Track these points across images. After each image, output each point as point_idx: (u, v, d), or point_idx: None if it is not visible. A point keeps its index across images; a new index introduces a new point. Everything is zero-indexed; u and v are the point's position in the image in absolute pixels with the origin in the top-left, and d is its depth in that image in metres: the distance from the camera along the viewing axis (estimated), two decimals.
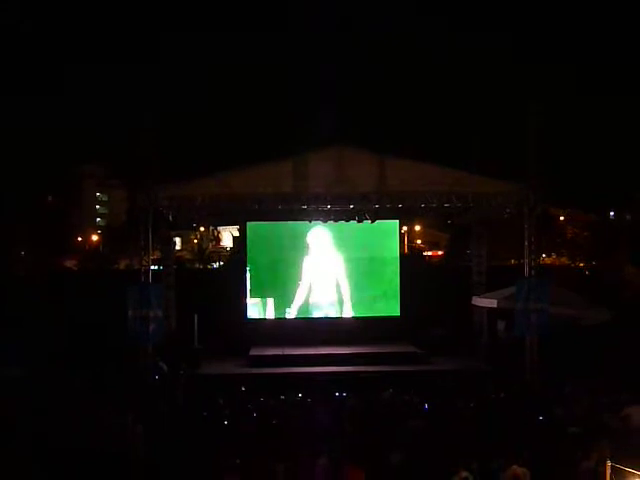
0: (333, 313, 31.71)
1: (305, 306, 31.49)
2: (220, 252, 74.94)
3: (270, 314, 31.41)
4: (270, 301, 31.40)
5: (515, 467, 13.04)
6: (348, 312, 31.68)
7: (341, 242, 31.33)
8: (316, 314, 31.60)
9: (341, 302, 31.63)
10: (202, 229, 73.43)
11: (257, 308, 31.39)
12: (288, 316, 31.41)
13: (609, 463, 11.78)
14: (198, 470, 13.93)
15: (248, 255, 31.69)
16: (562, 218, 71.27)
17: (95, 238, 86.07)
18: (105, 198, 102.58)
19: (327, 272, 31.63)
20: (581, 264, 58.20)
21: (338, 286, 31.60)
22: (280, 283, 31.42)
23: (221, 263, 67.24)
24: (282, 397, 20.31)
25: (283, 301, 31.41)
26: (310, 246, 31.40)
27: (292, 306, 31.42)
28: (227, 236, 77.64)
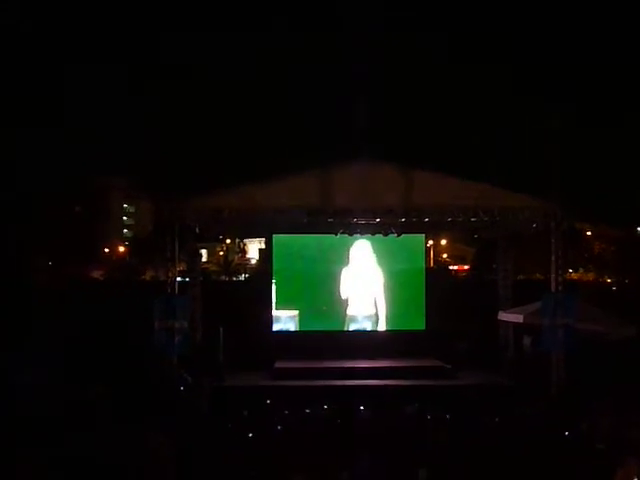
0: (369, 326, 31.66)
1: (341, 319, 31.50)
2: (246, 264, 75.30)
3: (296, 327, 31.36)
4: (296, 313, 31.35)
5: None
6: (382, 326, 31.61)
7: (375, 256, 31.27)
8: (352, 327, 31.57)
9: (378, 316, 31.59)
10: (228, 241, 73.83)
11: (283, 320, 31.34)
12: (317, 328, 31.35)
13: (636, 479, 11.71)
14: None
15: (274, 267, 31.70)
16: (589, 233, 70.99)
17: (122, 249, 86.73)
18: (132, 209, 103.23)
19: (365, 285, 31.58)
20: (608, 279, 57.92)
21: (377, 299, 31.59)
22: (307, 296, 31.34)
23: (247, 275, 67.50)
24: (306, 410, 20.31)
25: (310, 314, 31.35)
26: (352, 258, 31.35)
27: (324, 318, 31.36)
28: (253, 248, 77.97)
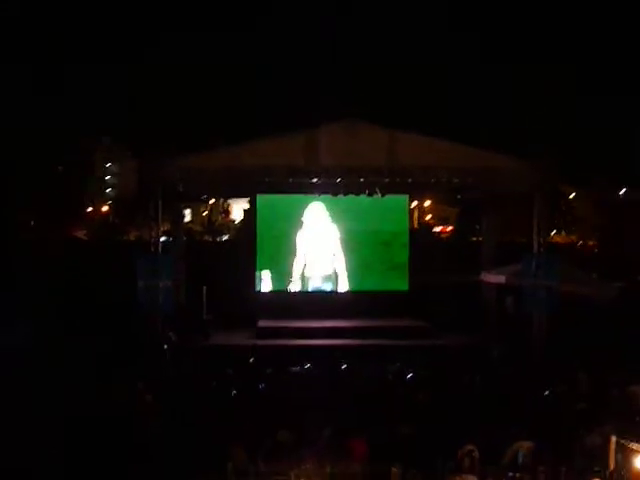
0: (329, 286, 31.82)
1: (303, 279, 31.63)
2: (229, 224, 75.12)
3: (279, 286, 31.46)
4: (276, 274, 31.46)
5: (520, 441, 13.14)
6: (344, 285, 31.74)
7: (351, 216, 31.22)
8: (312, 288, 31.79)
9: (336, 274, 31.75)
10: (212, 201, 73.55)
11: (266, 280, 31.41)
12: (294, 289, 31.51)
13: (613, 439, 11.88)
14: (204, 439, 14.04)
15: (258, 228, 31.69)
16: (572, 195, 71.16)
17: (105, 209, 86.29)
18: (115, 169, 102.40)
19: (323, 246, 31.63)
20: (590, 242, 58.23)
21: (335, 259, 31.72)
22: (289, 256, 31.42)
23: (230, 235, 67.46)
24: (289, 368, 20.45)
25: (290, 274, 31.48)
26: (305, 222, 31.39)
27: (292, 279, 31.47)
28: (237, 209, 77.72)
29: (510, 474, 11.89)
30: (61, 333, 23.39)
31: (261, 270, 31.30)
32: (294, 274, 31.46)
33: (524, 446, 13.04)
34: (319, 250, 31.52)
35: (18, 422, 14.41)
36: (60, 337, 22.98)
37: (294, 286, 31.57)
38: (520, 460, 12.70)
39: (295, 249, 31.34)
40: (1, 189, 56.39)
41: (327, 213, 31.13)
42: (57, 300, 26.68)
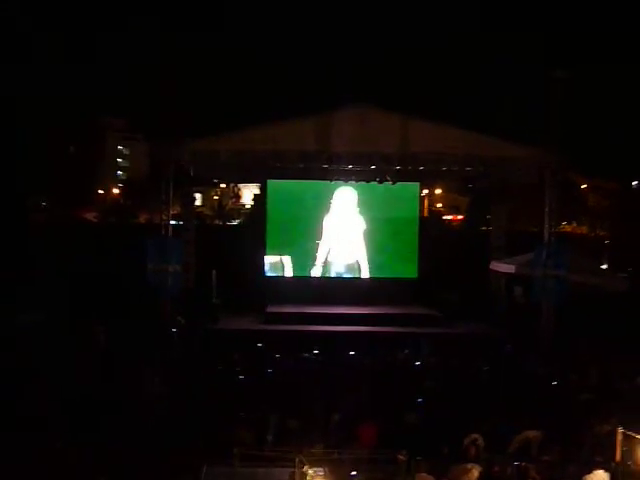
0: (351, 274, 31.70)
1: (324, 265, 31.52)
2: (240, 209, 75.16)
3: (288, 272, 31.47)
4: (288, 259, 31.43)
5: (528, 430, 13.15)
6: (365, 273, 31.69)
7: (362, 203, 31.17)
8: (334, 274, 31.63)
9: (359, 263, 31.61)
10: (223, 186, 73.63)
11: (275, 265, 31.43)
12: (313, 274, 31.45)
13: (620, 429, 11.86)
14: (211, 423, 14.09)
15: (268, 213, 31.68)
16: (584, 186, 70.88)
17: (116, 191, 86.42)
18: (127, 151, 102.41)
19: (348, 233, 31.57)
20: (601, 233, 57.99)
21: (357, 247, 31.55)
22: (299, 241, 31.36)
23: (240, 220, 67.48)
24: (297, 354, 20.47)
25: (301, 259, 31.43)
26: (334, 206, 31.32)
27: (316, 264, 31.37)
28: (247, 193, 77.73)
29: (516, 463, 11.90)
30: (70, 315, 23.46)
31: (271, 255, 31.27)
32: (317, 259, 31.39)
33: (531, 435, 13.06)
34: (343, 236, 31.46)
35: (26, 401, 14.48)
36: (69, 319, 23.06)
37: (316, 271, 31.51)
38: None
39: (312, 234, 31.24)
40: (13, 170, 56.45)
41: (356, 200, 31.09)
42: (67, 282, 26.70)
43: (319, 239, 31.26)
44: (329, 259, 31.44)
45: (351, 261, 31.57)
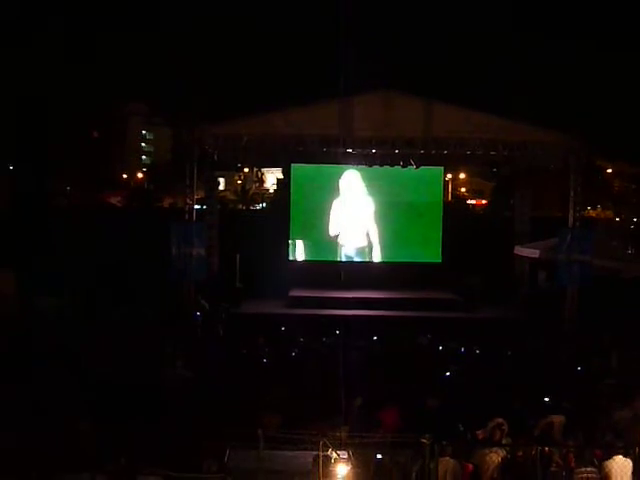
0: (360, 257, 31.57)
1: (337, 249, 31.49)
2: (263, 194, 75.19)
3: (312, 256, 31.47)
4: (310, 243, 31.44)
5: (551, 415, 13.11)
6: (377, 256, 31.52)
7: (385, 187, 31.08)
8: (344, 257, 31.55)
9: (370, 246, 31.50)
10: (246, 170, 73.62)
11: (299, 250, 31.44)
12: (326, 256, 31.38)
13: None
14: (235, 406, 14.12)
15: (291, 197, 31.68)
16: (609, 171, 70.46)
17: (140, 176, 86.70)
18: (151, 136, 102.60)
19: (357, 216, 31.43)
20: (626, 217, 57.67)
21: (368, 230, 31.49)
22: (322, 226, 31.34)
23: (264, 205, 67.54)
24: (321, 338, 20.51)
25: (324, 244, 31.44)
26: (341, 189, 31.25)
27: (338, 248, 31.35)
28: (270, 178, 77.76)
29: (540, 448, 11.86)
30: (90, 297, 23.61)
31: (294, 239, 31.28)
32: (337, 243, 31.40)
33: (556, 420, 13.02)
34: (353, 218, 31.35)
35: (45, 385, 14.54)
36: (89, 301, 23.22)
37: (327, 253, 31.48)
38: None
39: (329, 217, 31.22)
40: (37, 154, 56.77)
41: (363, 182, 30.94)
42: (90, 267, 26.85)
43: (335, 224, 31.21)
44: (340, 242, 31.40)
45: (361, 244, 31.52)
